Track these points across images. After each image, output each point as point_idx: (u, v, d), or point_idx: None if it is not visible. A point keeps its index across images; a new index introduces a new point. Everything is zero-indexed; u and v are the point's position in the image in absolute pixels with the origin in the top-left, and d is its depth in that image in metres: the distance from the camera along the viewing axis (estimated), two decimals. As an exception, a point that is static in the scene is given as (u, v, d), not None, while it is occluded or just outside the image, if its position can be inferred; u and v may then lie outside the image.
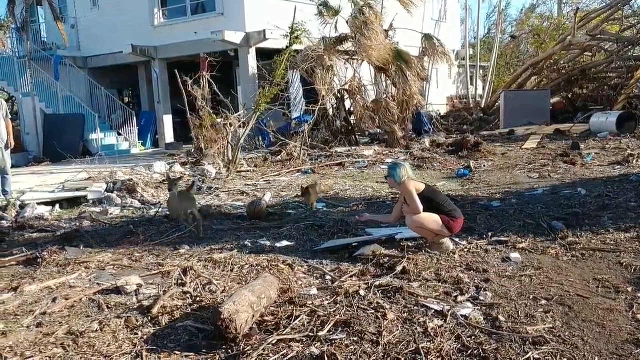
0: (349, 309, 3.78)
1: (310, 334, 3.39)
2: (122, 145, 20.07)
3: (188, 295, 4.20)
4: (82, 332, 3.58)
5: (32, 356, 3.26)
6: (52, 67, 19.68)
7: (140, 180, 10.33)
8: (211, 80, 13.78)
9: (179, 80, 13.53)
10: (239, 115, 13.69)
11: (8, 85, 21.23)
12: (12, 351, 3.33)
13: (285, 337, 3.34)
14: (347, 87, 15.42)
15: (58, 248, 5.74)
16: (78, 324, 3.73)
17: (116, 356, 3.22)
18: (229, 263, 4.98)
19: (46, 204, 8.76)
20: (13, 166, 10.50)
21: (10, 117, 9.70)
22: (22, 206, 8.51)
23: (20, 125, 20.49)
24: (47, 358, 3.24)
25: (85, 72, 21.25)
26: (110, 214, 8.11)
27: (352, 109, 16.10)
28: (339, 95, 15.74)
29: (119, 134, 20.65)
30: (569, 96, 20.97)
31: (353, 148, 14.40)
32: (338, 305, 3.84)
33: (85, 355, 3.25)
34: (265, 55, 17.29)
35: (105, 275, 4.93)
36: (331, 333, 3.40)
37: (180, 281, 4.55)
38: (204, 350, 3.26)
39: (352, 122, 16.28)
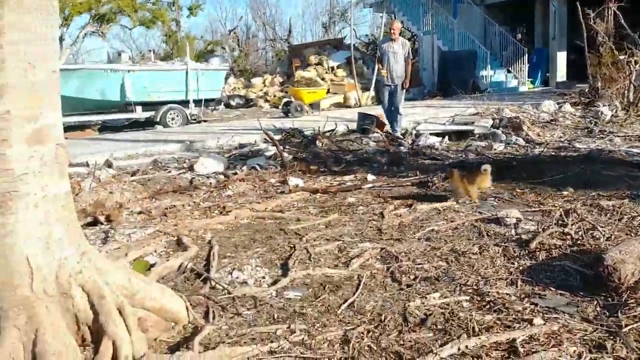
0: None
1: None
2: (511, 83, 20.05)
3: (568, 237, 4.10)
4: (463, 251, 3.90)
5: (421, 263, 3.73)
6: (452, 5, 20.67)
7: (526, 118, 10.26)
8: (617, 12, 12.46)
9: (580, 13, 12.63)
10: (648, 51, 12.10)
11: (412, 25, 23.22)
12: (406, 256, 3.87)
13: (679, 299, 2.99)
14: None
15: (446, 176, 6.22)
16: (460, 244, 4.07)
17: (493, 279, 3.41)
18: (618, 212, 4.63)
19: (437, 134, 9.53)
20: (410, 99, 11.64)
21: (411, 56, 10.57)
22: (417, 135, 9.48)
23: (419, 61, 22.37)
24: (433, 267, 3.65)
25: (481, 9, 21.65)
26: (494, 149, 8.34)
27: None
28: None
29: (509, 71, 20.63)
30: None
31: None
32: None
33: (465, 272, 3.54)
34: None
35: (487, 206, 5.19)
36: None
37: (560, 222, 4.46)
38: (581, 293, 3.17)
39: None
